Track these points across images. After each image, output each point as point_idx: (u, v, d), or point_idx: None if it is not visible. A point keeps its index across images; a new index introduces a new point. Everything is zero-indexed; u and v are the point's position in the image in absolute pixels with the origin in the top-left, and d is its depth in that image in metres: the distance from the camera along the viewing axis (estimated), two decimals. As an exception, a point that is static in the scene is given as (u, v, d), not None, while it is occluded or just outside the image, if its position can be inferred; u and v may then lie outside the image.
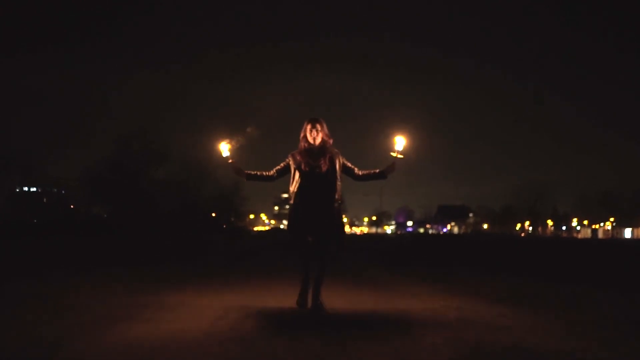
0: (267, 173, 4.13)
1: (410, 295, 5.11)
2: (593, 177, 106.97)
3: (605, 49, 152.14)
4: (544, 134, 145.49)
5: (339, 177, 4.05)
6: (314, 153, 4.01)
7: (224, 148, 4.08)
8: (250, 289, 5.40)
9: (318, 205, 3.95)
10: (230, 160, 4.09)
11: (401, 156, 4.06)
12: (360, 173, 4.14)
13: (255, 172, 4.14)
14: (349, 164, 4.13)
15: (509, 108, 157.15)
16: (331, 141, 4.07)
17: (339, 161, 4.08)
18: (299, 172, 4.00)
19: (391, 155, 4.09)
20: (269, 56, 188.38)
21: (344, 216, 4.34)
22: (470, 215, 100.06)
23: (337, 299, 4.55)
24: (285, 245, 4.13)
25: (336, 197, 4.01)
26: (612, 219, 69.64)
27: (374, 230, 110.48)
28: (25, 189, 51.82)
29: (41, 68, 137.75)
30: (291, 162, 4.08)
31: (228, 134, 4.17)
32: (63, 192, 51.01)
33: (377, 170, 4.15)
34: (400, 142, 4.06)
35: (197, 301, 4.44)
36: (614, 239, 53.20)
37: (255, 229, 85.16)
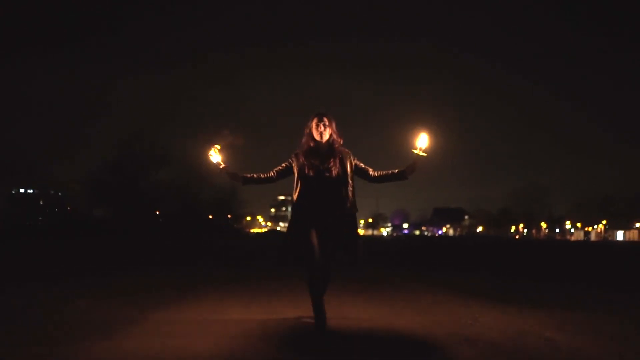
0: (266, 174, 3.70)
1: (420, 303, 4.76)
2: (592, 178, 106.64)
3: (605, 49, 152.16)
4: (543, 135, 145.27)
5: (350, 182, 3.61)
6: (320, 153, 3.58)
7: (214, 154, 3.67)
8: (250, 299, 4.92)
9: (326, 216, 3.49)
10: (222, 166, 3.65)
11: (424, 154, 3.57)
12: (375, 174, 3.68)
13: (252, 175, 3.70)
14: (362, 165, 3.70)
15: (509, 109, 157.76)
16: (341, 140, 3.66)
17: (350, 163, 3.63)
18: (302, 177, 3.54)
19: (413, 153, 3.59)
20: (270, 58, 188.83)
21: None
22: (466, 217, 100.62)
23: (341, 308, 4.31)
24: (275, 262, 3.68)
25: (348, 204, 3.56)
26: (604, 222, 70.13)
27: (369, 232, 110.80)
28: (22, 190, 51.89)
29: (40, 70, 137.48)
30: (294, 164, 3.62)
31: (216, 138, 3.76)
32: (60, 194, 51.14)
33: (397, 171, 3.66)
34: (423, 139, 3.57)
35: (179, 317, 3.94)
36: (605, 242, 53.73)
37: (252, 230, 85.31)
